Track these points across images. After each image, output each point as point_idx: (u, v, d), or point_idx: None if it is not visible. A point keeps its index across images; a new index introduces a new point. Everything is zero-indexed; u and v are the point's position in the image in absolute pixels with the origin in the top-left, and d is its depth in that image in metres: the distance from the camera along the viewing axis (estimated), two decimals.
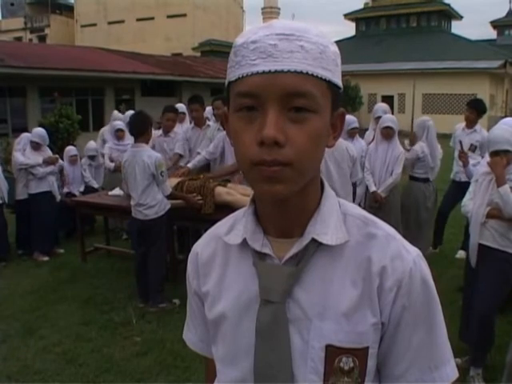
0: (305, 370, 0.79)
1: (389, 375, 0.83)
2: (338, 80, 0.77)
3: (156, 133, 5.47)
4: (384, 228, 0.84)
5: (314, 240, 0.80)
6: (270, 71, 0.70)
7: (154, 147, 5.25)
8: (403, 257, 0.80)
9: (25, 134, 6.04)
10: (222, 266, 0.90)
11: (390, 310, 0.79)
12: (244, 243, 0.85)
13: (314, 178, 0.80)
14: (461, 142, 4.83)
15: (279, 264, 0.81)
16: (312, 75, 0.72)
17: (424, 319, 0.80)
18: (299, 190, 0.76)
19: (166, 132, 5.58)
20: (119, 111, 8.15)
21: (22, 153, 5.78)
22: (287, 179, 0.72)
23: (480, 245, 3.23)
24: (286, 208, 0.80)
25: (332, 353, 0.78)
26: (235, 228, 0.89)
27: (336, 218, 0.82)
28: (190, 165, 5.13)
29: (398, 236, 0.84)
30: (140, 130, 4.29)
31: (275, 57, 0.70)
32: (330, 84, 0.75)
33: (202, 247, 0.95)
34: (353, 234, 0.82)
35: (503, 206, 3.06)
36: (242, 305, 0.84)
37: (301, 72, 0.71)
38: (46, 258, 5.88)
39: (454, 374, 0.83)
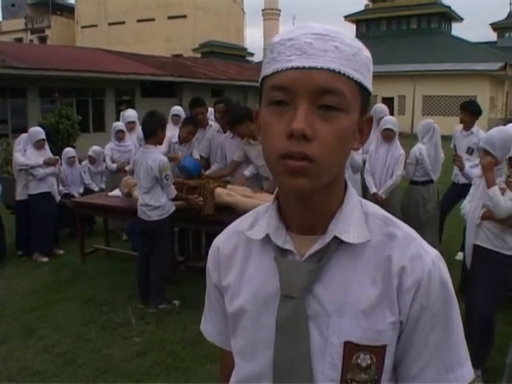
0: (323, 366, 0.81)
1: (405, 374, 0.84)
2: (368, 84, 0.79)
3: (171, 135, 5.31)
4: (404, 228, 0.86)
5: (335, 238, 0.81)
6: (304, 67, 0.73)
7: (168, 151, 5.21)
8: (422, 257, 0.81)
9: (25, 135, 6.03)
10: (243, 260, 0.91)
11: (409, 310, 0.80)
12: (266, 239, 0.86)
13: (338, 177, 0.82)
14: (455, 146, 4.81)
15: (300, 260, 0.82)
16: (344, 75, 0.74)
17: (442, 319, 0.81)
18: (323, 187, 0.77)
19: (182, 142, 5.38)
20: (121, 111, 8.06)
21: (23, 153, 5.77)
22: (311, 174, 0.73)
23: (476, 246, 3.24)
24: (310, 204, 0.81)
25: (350, 349, 0.79)
26: (257, 223, 0.90)
27: (358, 217, 0.84)
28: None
29: (418, 237, 0.86)
30: (149, 131, 4.29)
31: (310, 54, 0.73)
32: (360, 87, 0.77)
33: (223, 242, 0.97)
34: (374, 234, 0.83)
35: (493, 207, 3.06)
36: (261, 299, 0.86)
37: (333, 70, 0.73)
38: (45, 259, 5.87)
39: (470, 375, 0.84)
